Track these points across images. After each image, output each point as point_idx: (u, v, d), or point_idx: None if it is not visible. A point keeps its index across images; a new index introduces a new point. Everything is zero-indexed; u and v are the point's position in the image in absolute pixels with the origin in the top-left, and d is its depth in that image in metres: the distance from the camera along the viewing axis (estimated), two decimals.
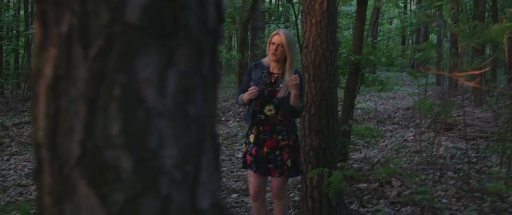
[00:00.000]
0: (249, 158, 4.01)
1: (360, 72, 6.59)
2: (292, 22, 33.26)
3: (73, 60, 0.81)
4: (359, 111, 12.97)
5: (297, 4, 19.46)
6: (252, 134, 3.99)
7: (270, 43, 3.93)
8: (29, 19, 20.43)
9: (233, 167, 7.69)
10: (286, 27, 31.74)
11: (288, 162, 3.88)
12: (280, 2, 29.01)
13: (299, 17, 16.56)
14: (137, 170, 0.79)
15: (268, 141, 3.88)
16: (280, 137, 3.87)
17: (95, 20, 0.80)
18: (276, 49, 3.86)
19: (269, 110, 3.88)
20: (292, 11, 27.86)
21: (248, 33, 14.99)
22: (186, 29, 0.84)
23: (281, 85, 3.88)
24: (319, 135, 4.59)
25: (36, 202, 0.90)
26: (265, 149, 3.89)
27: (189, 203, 0.83)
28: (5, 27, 19.61)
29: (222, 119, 12.29)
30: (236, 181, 6.78)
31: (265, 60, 4.09)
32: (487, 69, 6.51)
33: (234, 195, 6.08)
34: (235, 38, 31.97)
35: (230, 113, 12.90)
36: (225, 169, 7.49)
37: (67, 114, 0.81)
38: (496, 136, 9.07)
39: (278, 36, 3.91)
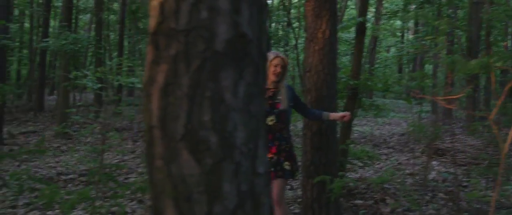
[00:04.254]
0: None
1: (357, 96, 7.06)
2: (291, 46, 33.84)
3: (179, 73, 1.27)
4: (355, 134, 13.43)
5: (297, 29, 20.06)
6: None
7: (271, 65, 4.43)
8: (35, 31, 20.96)
9: None
10: (285, 51, 32.34)
11: (286, 165, 4.35)
12: (279, 26, 29.65)
13: (299, 41, 17.08)
14: (220, 144, 1.24)
15: (271, 148, 4.34)
16: (281, 143, 4.37)
17: (194, 48, 1.25)
18: (279, 70, 4.39)
19: (271, 120, 4.37)
20: (292, 35, 28.30)
21: None
22: (250, 56, 1.30)
23: (279, 98, 4.43)
24: (319, 151, 5.03)
25: (145, 165, 1.34)
26: (269, 155, 4.35)
27: (251, 169, 1.28)
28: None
29: None
30: None
31: None
32: (460, 95, 6.97)
33: None
34: None
35: None
36: None
37: (173, 107, 1.26)
38: (487, 162, 9.52)
39: (280, 59, 4.44)
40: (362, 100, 7.39)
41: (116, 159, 9.81)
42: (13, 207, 6.30)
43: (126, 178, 8.18)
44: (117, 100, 10.71)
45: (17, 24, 21.67)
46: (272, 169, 4.35)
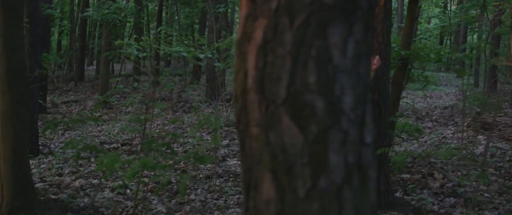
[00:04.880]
0: None
1: (407, 67, 6.80)
2: None
3: (280, 28, 1.11)
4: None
5: None
6: None
7: None
8: (76, 1, 21.11)
9: None
10: None
11: None
12: None
13: None
14: (327, 110, 1.09)
15: None
16: None
17: (299, 0, 1.10)
18: None
19: None
20: None
21: None
22: (360, 9, 1.13)
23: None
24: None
25: (238, 132, 1.21)
26: None
27: (359, 138, 1.13)
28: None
29: None
30: None
31: None
32: None
33: None
34: None
35: None
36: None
37: (273, 66, 1.12)
38: None
39: None
40: (411, 72, 7.12)
41: (157, 129, 9.83)
42: (60, 175, 6.35)
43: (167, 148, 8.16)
44: (157, 70, 10.66)
45: None
46: None
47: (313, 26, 1.10)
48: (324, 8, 1.10)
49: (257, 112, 1.14)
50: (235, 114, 1.23)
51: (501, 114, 10.82)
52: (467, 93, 15.48)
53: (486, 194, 5.86)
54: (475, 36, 24.09)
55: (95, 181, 5.94)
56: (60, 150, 7.84)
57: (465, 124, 10.91)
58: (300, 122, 1.10)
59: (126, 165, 4.50)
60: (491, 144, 9.39)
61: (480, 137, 9.29)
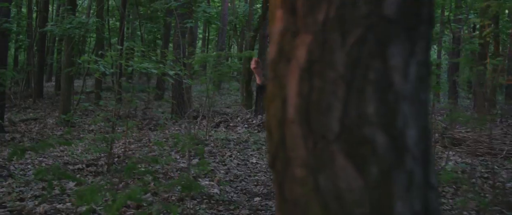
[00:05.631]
0: None
1: None
2: None
3: (329, 46, 0.91)
4: None
5: None
6: None
7: None
8: (34, 15, 20.44)
9: (249, 171, 7.76)
10: None
11: None
12: None
13: None
14: (389, 146, 0.89)
15: None
16: None
17: (353, 11, 0.90)
18: None
19: None
20: None
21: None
22: (424, 24, 0.94)
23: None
24: None
25: (274, 175, 0.98)
26: None
27: (424, 178, 0.93)
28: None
29: (231, 124, 12.37)
30: (256, 185, 6.85)
31: None
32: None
33: (257, 198, 6.15)
34: (236, 47, 32.14)
35: (238, 118, 12.98)
36: (242, 173, 7.57)
37: (322, 93, 0.91)
38: (504, 152, 9.25)
39: None
40: None
41: (122, 149, 9.46)
42: (21, 200, 5.94)
43: (134, 169, 7.81)
44: (120, 85, 10.29)
45: (15, 9, 21.13)
46: None
47: (371, 44, 0.90)
48: (383, 22, 0.90)
49: (302, 149, 0.93)
50: (269, 150, 1.01)
51: (468, 129, 10.91)
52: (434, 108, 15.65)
53: (464, 212, 5.79)
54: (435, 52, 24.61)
55: (60, 206, 5.56)
56: (21, 172, 7.38)
57: (433, 139, 10.97)
58: (358, 162, 0.89)
59: (108, 197, 4.18)
60: (460, 159, 9.44)
61: (450, 152, 9.32)
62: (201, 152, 4.89)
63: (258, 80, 4.31)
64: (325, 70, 0.91)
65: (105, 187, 2.45)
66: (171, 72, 6.70)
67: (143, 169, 3.04)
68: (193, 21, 11.11)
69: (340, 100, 0.90)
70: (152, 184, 5.55)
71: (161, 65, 6.46)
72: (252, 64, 4.24)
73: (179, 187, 6.37)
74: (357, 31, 0.90)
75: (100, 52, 11.47)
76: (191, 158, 8.01)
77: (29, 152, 8.94)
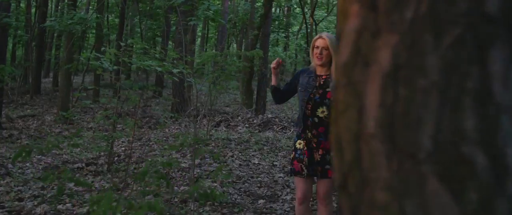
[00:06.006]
0: (297, 164, 3.98)
1: None
2: (293, 32, 33.32)
3: (419, 48, 0.77)
4: None
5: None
6: (302, 140, 3.96)
7: (313, 47, 3.92)
8: (33, 10, 20.26)
9: (251, 172, 7.63)
10: (287, 36, 31.80)
11: None
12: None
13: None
14: (490, 167, 0.76)
15: (323, 143, 3.84)
16: None
17: (450, 8, 0.76)
18: (320, 53, 3.84)
19: (322, 111, 3.87)
20: (298, 20, 27.78)
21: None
22: None
23: (331, 86, 3.93)
24: None
25: (344, 197, 0.85)
26: (321, 152, 3.86)
27: None
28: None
29: (231, 123, 12.23)
30: (259, 187, 6.72)
31: (311, 66, 4.08)
32: None
33: (261, 201, 6.02)
34: (235, 45, 31.98)
35: (239, 118, 12.84)
36: (244, 173, 7.43)
37: (410, 104, 0.77)
38: None
39: (321, 39, 3.88)
40: None
41: (123, 148, 9.31)
42: (20, 199, 5.79)
43: (135, 168, 7.68)
44: (118, 80, 10.13)
45: (14, 4, 20.91)
46: (328, 167, 3.87)
47: (470, 47, 0.76)
48: (484, 21, 0.76)
49: (385, 170, 0.79)
50: (338, 168, 0.87)
51: None
52: None
53: None
54: None
55: (60, 206, 5.42)
56: (19, 171, 7.22)
57: None
58: (453, 186, 0.75)
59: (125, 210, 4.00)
60: None
61: None
62: (202, 152, 4.72)
63: (273, 81, 4.14)
64: (414, 77, 0.77)
65: (115, 193, 2.30)
66: (175, 71, 6.54)
67: (154, 173, 2.89)
68: (196, 18, 10.96)
69: (432, 113, 0.76)
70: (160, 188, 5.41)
71: (165, 63, 6.32)
72: (273, 64, 4.06)
73: (181, 188, 6.25)
74: (454, 31, 0.76)
75: (103, 49, 11.31)
76: (199, 159, 7.87)
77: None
